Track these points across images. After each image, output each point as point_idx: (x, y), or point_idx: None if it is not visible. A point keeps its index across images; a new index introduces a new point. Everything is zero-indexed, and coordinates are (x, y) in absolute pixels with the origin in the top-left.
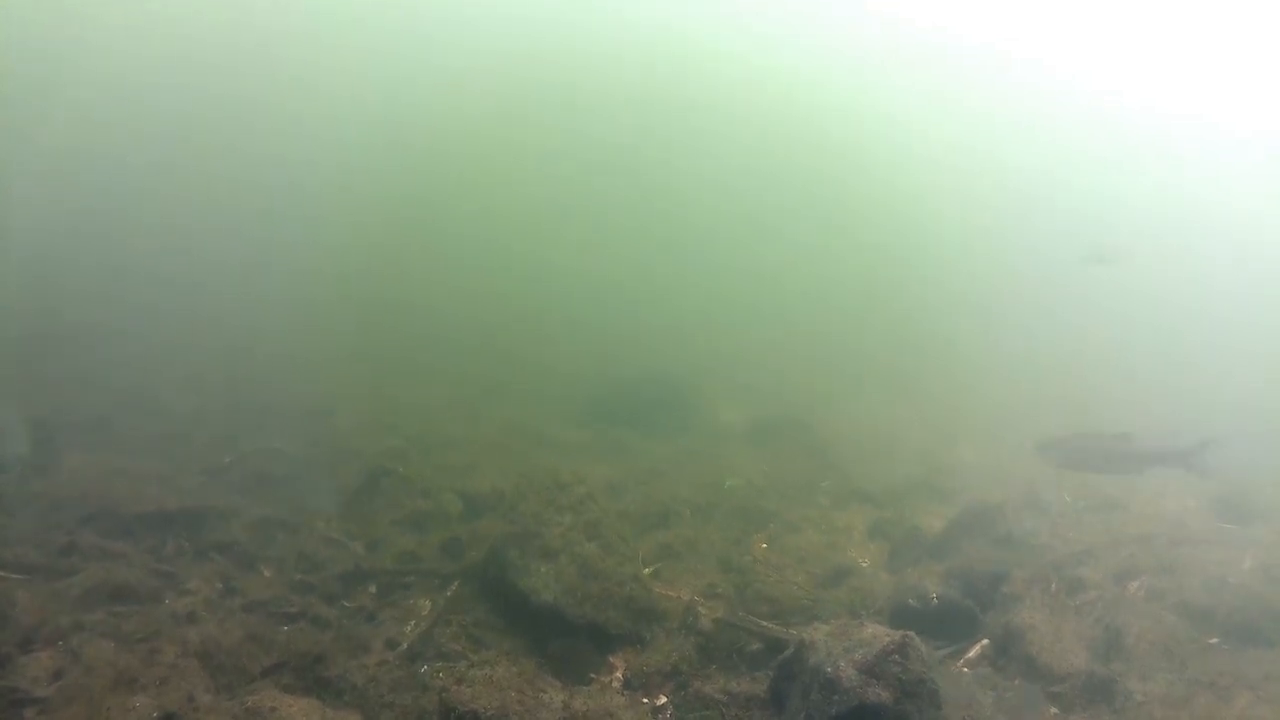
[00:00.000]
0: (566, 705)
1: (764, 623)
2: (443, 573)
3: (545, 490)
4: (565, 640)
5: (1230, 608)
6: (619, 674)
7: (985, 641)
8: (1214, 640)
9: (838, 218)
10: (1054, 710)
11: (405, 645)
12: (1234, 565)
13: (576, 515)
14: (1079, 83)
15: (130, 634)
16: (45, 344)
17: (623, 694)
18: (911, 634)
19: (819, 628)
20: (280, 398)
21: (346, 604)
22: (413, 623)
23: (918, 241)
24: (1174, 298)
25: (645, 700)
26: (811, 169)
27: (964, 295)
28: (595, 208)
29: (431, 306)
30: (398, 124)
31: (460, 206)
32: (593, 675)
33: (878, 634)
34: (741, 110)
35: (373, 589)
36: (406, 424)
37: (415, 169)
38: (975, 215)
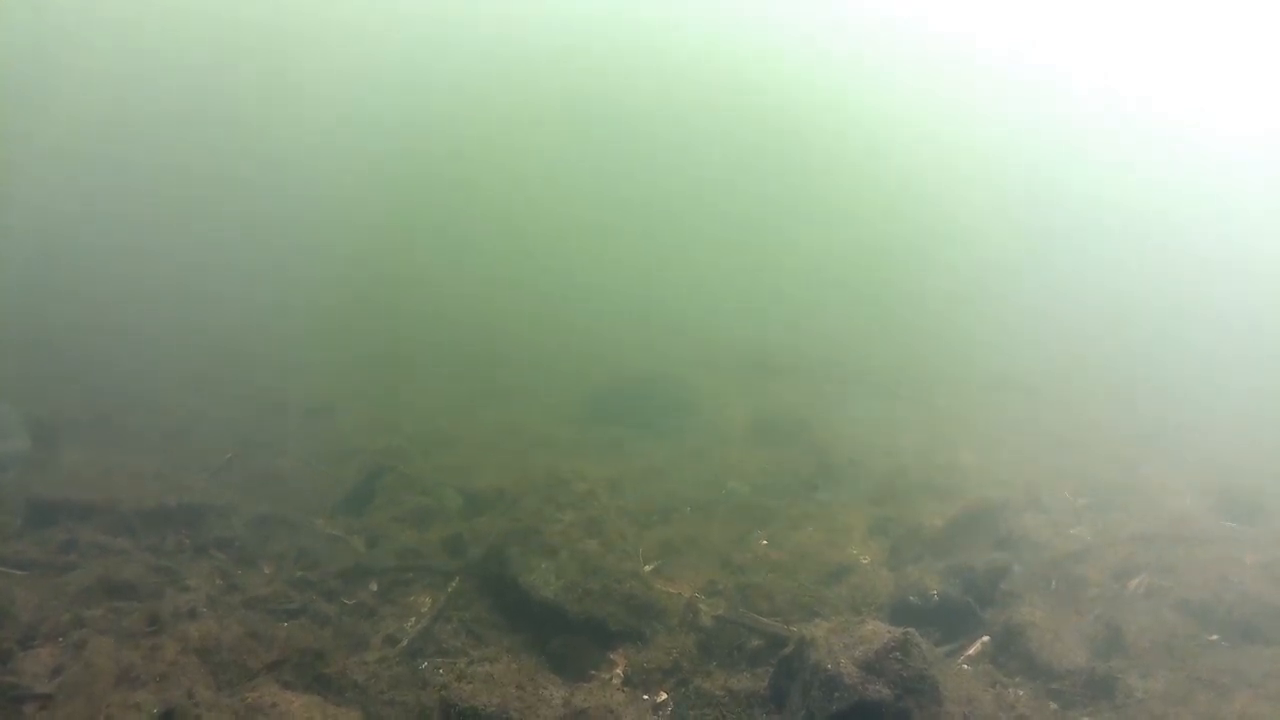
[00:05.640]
0: (567, 702)
1: (764, 620)
2: (443, 569)
3: (546, 487)
4: (566, 637)
5: (1230, 605)
6: (619, 670)
7: (986, 639)
8: (1214, 638)
9: (840, 218)
10: (1054, 707)
11: (405, 642)
12: (1235, 563)
13: (577, 512)
14: (1090, 85)
15: (131, 630)
16: (46, 342)
17: (623, 691)
18: (912, 631)
19: (820, 625)
20: (281, 396)
21: (347, 601)
22: (413, 619)
23: (919, 242)
24: (1174, 297)
25: (646, 697)
26: (814, 169)
27: (966, 295)
28: (596, 208)
29: (431, 306)
30: (398, 126)
31: (461, 207)
32: (593, 672)
33: (878, 631)
34: (743, 111)
35: (373, 586)
36: (407, 422)
37: (415, 170)
38: (978, 215)
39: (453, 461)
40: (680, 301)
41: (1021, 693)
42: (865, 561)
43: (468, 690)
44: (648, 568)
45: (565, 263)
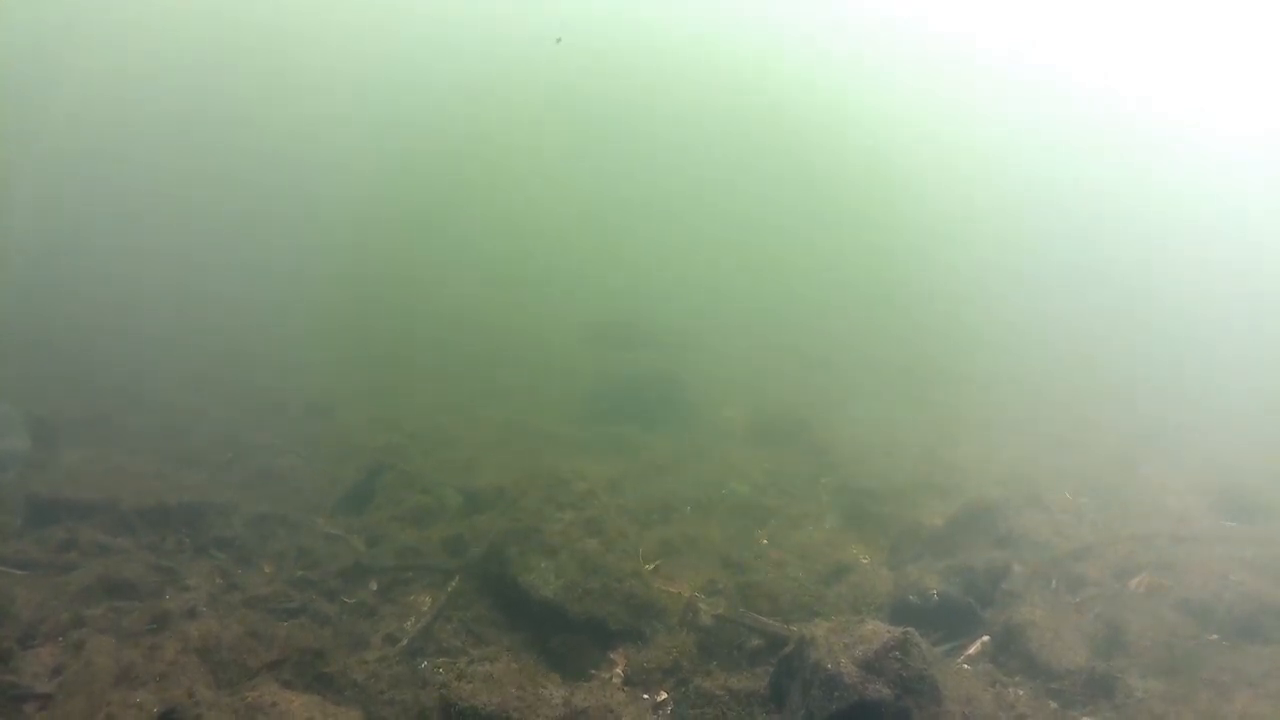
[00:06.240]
0: (567, 701)
1: (764, 619)
2: (443, 568)
3: (546, 486)
4: (566, 636)
5: (1230, 604)
6: (619, 670)
7: (986, 638)
8: (1214, 637)
9: (840, 217)
10: (1054, 706)
11: (405, 641)
12: (1235, 562)
13: (577, 511)
14: (1090, 86)
15: (131, 629)
16: (46, 342)
17: (623, 690)
18: (912, 630)
19: (820, 624)
20: (280, 395)
21: (347, 600)
22: (413, 618)
23: (920, 241)
24: (1176, 297)
25: (646, 696)
26: (815, 168)
27: (966, 294)
28: (596, 207)
29: (431, 305)
30: (398, 125)
31: (462, 206)
32: (593, 671)
33: (878, 630)
34: (743, 111)
35: (373, 585)
36: (407, 420)
37: (416, 169)
38: (979, 215)
39: (453, 460)
40: (680, 301)
41: (1021, 692)
42: (865, 561)
43: (467, 689)
44: (648, 567)
45: (565, 262)
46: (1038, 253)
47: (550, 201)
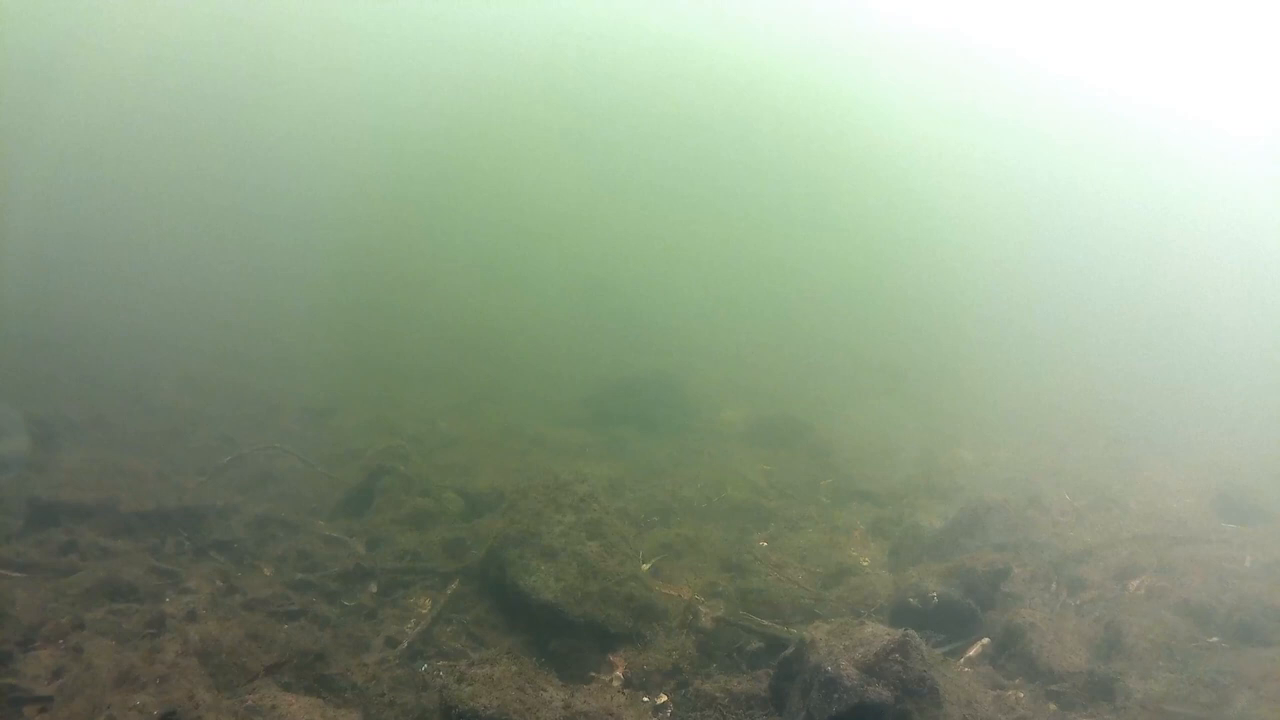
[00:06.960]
0: (567, 704)
1: (764, 621)
2: (443, 571)
3: (546, 489)
4: (566, 639)
5: (1230, 607)
6: (619, 673)
7: (986, 640)
8: (1214, 639)
9: (840, 218)
10: (1054, 708)
11: (405, 644)
12: (1234, 564)
13: (577, 514)
14: (1085, 85)
15: (131, 632)
16: (45, 344)
17: (623, 693)
18: (912, 632)
19: (819, 626)
20: (280, 397)
21: (347, 602)
22: (413, 621)
23: (919, 243)
24: (1176, 298)
25: (646, 699)
26: (814, 171)
27: (965, 296)
28: (596, 208)
29: (432, 306)
30: (398, 128)
31: (461, 208)
32: (593, 674)
33: (878, 633)
34: (744, 112)
35: (373, 587)
36: (407, 423)
37: (416, 172)
38: (978, 217)
39: (453, 462)
40: (681, 302)
41: (1021, 694)
42: (865, 563)
43: (468, 692)
44: (644, 566)
45: (566, 263)
46: (1038, 253)
47: (550, 201)
